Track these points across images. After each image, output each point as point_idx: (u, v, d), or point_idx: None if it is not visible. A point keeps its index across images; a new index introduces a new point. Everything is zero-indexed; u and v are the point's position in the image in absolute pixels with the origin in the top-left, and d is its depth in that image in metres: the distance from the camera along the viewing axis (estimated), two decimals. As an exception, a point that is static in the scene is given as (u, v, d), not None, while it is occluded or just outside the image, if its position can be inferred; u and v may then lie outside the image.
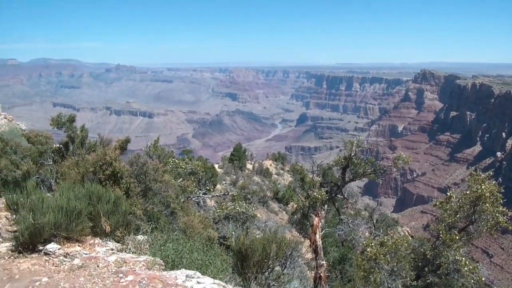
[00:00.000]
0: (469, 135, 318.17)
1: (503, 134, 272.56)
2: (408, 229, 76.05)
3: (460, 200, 18.15)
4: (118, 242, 10.06)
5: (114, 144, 18.61)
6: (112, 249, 9.24)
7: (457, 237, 17.18)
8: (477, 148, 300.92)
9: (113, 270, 7.96)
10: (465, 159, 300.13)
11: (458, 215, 18.05)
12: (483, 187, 17.27)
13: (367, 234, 28.80)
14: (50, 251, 8.36)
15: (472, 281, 16.39)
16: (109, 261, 8.32)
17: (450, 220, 17.93)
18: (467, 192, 17.88)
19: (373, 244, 17.60)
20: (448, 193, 18.78)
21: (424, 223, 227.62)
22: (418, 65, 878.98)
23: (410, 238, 42.75)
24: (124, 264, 8.31)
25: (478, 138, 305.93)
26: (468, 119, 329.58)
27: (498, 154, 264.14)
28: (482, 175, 18.18)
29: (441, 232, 17.55)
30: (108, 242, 9.74)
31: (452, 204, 18.30)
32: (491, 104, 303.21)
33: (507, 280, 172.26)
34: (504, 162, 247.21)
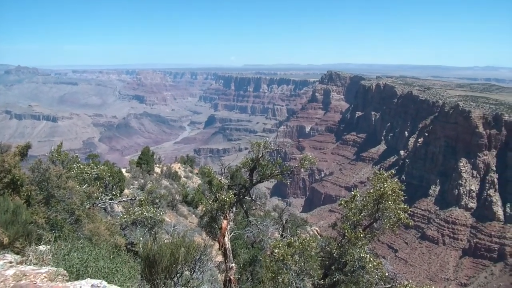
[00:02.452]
0: (374, 134, 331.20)
1: (406, 133, 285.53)
2: (317, 228, 77.88)
3: (364, 199, 18.76)
4: (17, 254, 9.64)
5: (13, 150, 17.81)
6: (10, 262, 8.82)
7: (361, 235, 17.76)
8: (382, 147, 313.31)
9: (11, 285, 7.60)
10: (370, 158, 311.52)
11: (362, 213, 18.65)
12: (385, 185, 17.97)
13: (276, 235, 29.17)
14: None
15: (377, 276, 16.97)
16: (6, 275, 7.93)
17: (355, 219, 18.50)
18: (371, 191, 18.52)
19: (280, 245, 17.83)
20: (353, 192, 19.36)
21: (333, 221, 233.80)
22: (325, 66, 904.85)
23: (319, 237, 43.86)
24: (24, 277, 7.95)
25: (382, 137, 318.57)
26: (373, 118, 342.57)
27: (401, 152, 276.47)
28: (385, 174, 18.91)
29: (346, 230, 18.07)
30: (6, 254, 9.30)
31: (357, 202, 18.88)
32: (394, 104, 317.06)
33: (411, 273, 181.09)
34: (407, 160, 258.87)
